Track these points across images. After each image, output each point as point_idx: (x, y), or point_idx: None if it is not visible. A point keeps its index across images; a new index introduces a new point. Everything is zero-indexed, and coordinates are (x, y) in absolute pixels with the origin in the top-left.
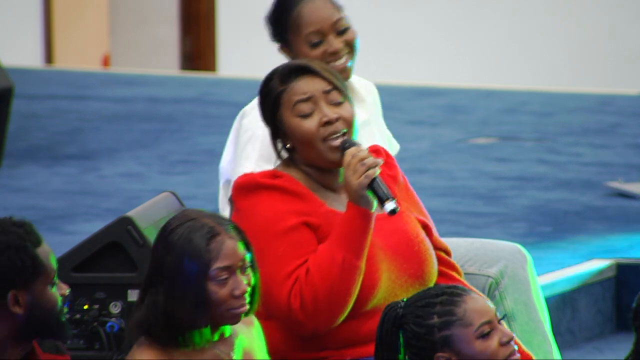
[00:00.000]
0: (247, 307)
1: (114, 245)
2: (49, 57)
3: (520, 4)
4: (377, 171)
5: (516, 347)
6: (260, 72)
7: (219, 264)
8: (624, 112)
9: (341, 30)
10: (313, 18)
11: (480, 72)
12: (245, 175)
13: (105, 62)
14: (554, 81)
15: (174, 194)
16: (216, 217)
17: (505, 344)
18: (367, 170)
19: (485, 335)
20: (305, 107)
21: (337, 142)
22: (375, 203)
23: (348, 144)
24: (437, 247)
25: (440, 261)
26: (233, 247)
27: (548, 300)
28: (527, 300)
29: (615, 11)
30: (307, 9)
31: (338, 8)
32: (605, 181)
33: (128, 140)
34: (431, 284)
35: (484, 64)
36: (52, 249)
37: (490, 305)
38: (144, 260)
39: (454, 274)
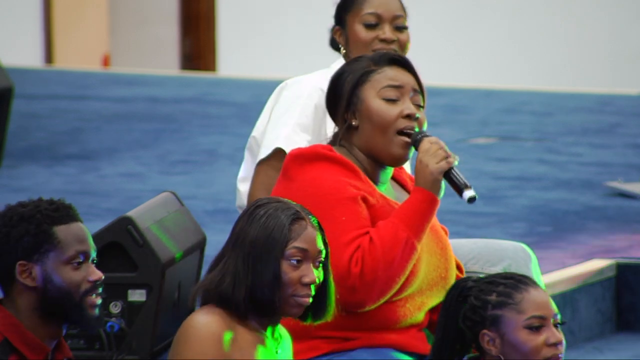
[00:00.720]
0: (310, 299)
1: (114, 245)
2: (49, 57)
3: (520, 4)
4: (456, 161)
5: (562, 354)
6: (260, 72)
7: (297, 244)
8: (624, 112)
9: (399, 27)
10: (378, 1)
11: (480, 72)
12: (302, 147)
13: (105, 62)
14: (554, 81)
15: (173, 194)
16: (303, 207)
17: (551, 345)
18: (447, 157)
19: (533, 328)
20: (393, 93)
21: (408, 138)
22: (442, 192)
23: (421, 135)
24: None
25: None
26: (313, 235)
27: None
28: None
29: (615, 11)
30: None
31: (404, 9)
32: (605, 181)
33: (128, 140)
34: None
35: (484, 64)
36: (88, 232)
37: (553, 305)
38: (144, 260)
39: None
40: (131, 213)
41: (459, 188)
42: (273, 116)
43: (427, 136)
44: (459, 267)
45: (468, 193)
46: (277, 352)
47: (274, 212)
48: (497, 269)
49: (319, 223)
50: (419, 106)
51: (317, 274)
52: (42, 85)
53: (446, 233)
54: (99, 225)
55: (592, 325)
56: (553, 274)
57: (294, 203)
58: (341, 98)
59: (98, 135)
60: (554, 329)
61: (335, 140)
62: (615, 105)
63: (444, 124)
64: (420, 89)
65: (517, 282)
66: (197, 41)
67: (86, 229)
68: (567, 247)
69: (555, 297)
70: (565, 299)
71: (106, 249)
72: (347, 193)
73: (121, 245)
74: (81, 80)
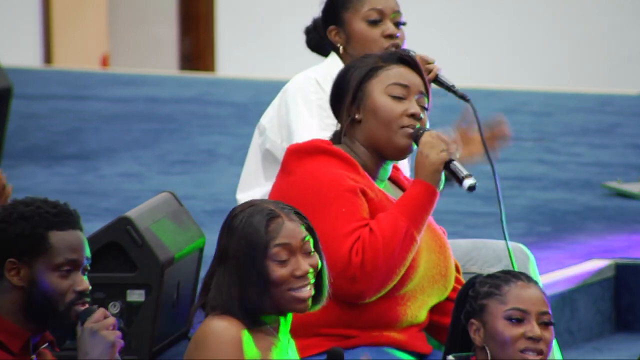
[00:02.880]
0: (311, 291)
1: (113, 245)
2: (48, 57)
3: (520, 4)
4: (458, 152)
5: (544, 353)
6: (260, 72)
7: (278, 241)
8: (624, 112)
9: (398, 23)
10: None
11: (480, 72)
12: (301, 142)
13: (105, 62)
14: (554, 81)
15: (172, 194)
16: (278, 203)
17: (529, 339)
18: (448, 148)
19: (513, 320)
20: (399, 91)
21: (411, 130)
22: (442, 184)
23: (422, 130)
24: None
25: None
26: (293, 228)
27: None
28: None
29: (615, 11)
30: None
31: (399, 5)
32: (604, 181)
33: (127, 140)
34: (450, 288)
35: (483, 64)
36: (85, 241)
37: (543, 304)
38: (143, 260)
39: None
40: (130, 213)
41: (459, 178)
42: (292, 125)
43: (428, 130)
44: (456, 268)
45: (468, 182)
46: (288, 352)
47: (248, 218)
48: (494, 270)
49: (298, 212)
50: (423, 107)
51: (312, 262)
52: (41, 85)
53: (444, 233)
54: (98, 225)
55: (591, 326)
56: (552, 274)
57: (271, 202)
58: (346, 92)
59: (97, 136)
60: (535, 325)
61: (336, 137)
62: (615, 105)
63: (444, 124)
64: (426, 92)
65: (511, 276)
66: (197, 41)
67: (83, 238)
68: (566, 247)
69: (554, 297)
70: (564, 299)
71: (105, 249)
72: (347, 185)
73: (120, 246)
74: (80, 80)
